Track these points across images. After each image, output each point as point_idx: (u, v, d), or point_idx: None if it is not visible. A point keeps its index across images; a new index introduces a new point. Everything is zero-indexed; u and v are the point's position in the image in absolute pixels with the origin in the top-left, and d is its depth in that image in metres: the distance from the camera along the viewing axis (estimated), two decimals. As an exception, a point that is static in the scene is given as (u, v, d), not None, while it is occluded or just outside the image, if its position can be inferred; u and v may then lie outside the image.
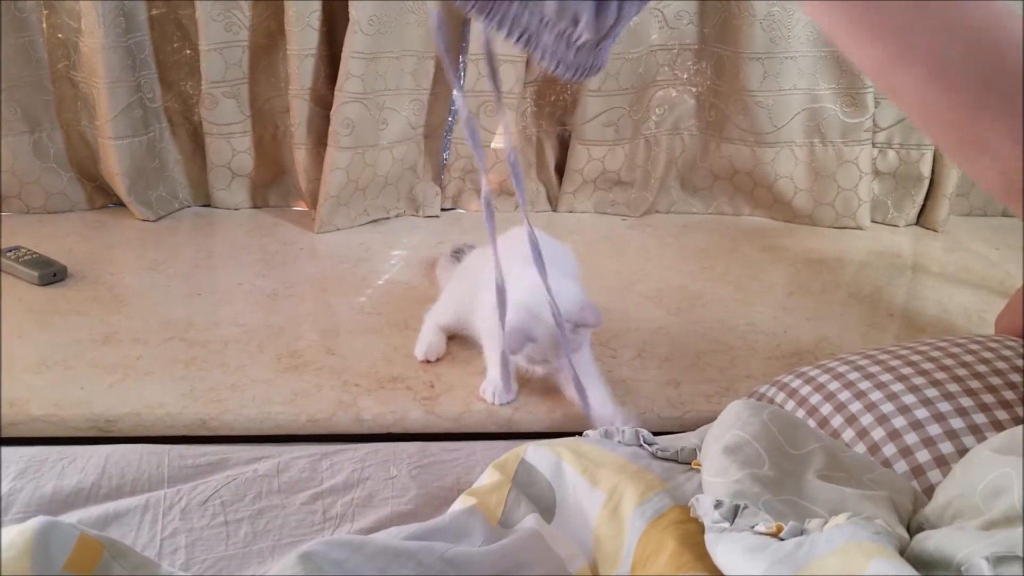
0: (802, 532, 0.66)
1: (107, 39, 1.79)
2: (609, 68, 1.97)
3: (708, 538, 0.70)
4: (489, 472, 0.95)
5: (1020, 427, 0.76)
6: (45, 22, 1.87)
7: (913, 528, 0.74)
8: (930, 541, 0.64)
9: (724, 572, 0.67)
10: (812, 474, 0.79)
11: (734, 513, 0.71)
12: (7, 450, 1.05)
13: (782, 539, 0.66)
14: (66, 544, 0.73)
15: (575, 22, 0.77)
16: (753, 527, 0.68)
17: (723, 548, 0.68)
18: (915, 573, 0.58)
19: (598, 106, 2.02)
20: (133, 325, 1.49)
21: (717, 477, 0.78)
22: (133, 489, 1.01)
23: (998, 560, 0.58)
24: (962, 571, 0.59)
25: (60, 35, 1.88)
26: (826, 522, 0.66)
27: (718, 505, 0.72)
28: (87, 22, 1.79)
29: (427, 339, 1.44)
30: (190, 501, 0.98)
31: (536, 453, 0.93)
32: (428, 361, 1.43)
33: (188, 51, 1.96)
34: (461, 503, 0.91)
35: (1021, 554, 0.58)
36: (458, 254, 1.71)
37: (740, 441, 0.81)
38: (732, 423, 0.84)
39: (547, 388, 1.36)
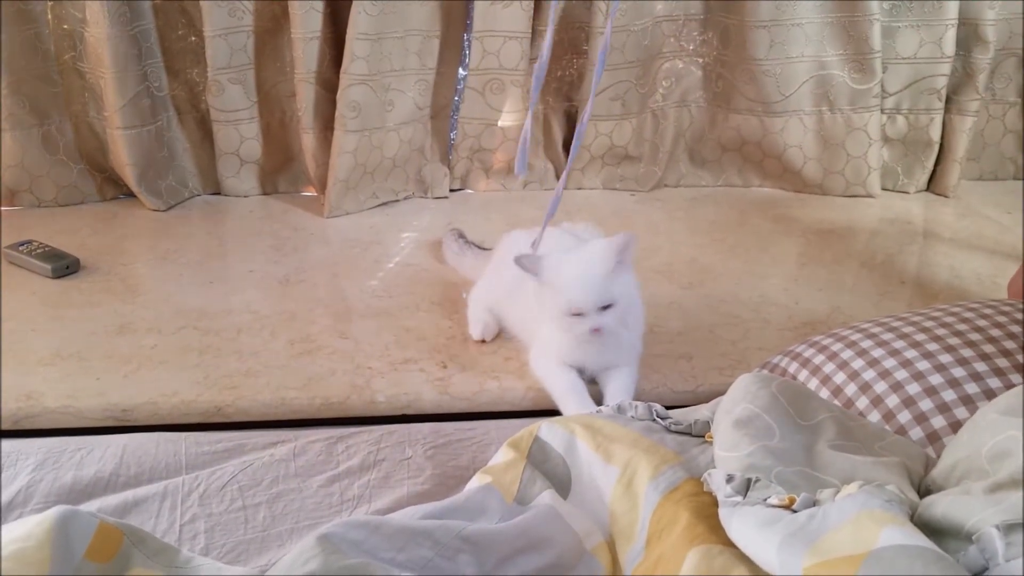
0: (814, 503, 0.66)
1: (112, 28, 1.79)
2: (614, 41, 1.96)
3: (722, 512, 0.71)
4: (504, 450, 0.95)
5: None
6: (51, 13, 1.86)
7: (922, 491, 0.74)
8: (938, 507, 0.64)
9: (739, 546, 0.68)
10: (823, 444, 0.79)
11: (746, 487, 0.71)
12: (25, 442, 1.06)
13: (795, 511, 0.66)
14: (86, 532, 0.74)
15: None
16: (766, 500, 0.68)
17: (737, 522, 0.68)
18: (926, 541, 0.58)
19: (604, 80, 2.01)
20: (147, 315, 1.50)
21: (729, 451, 0.78)
22: (151, 477, 1.02)
23: (1008, 528, 0.58)
24: (973, 540, 0.59)
25: (66, 26, 1.88)
26: (838, 491, 0.66)
27: (730, 479, 0.72)
28: (92, 12, 1.79)
29: (480, 318, 1.44)
30: (208, 487, 0.99)
31: (550, 430, 0.94)
32: (484, 341, 1.43)
33: (193, 38, 1.95)
34: (477, 481, 0.92)
35: None
36: (461, 234, 1.71)
37: (750, 414, 0.81)
38: (742, 396, 0.84)
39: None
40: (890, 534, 0.58)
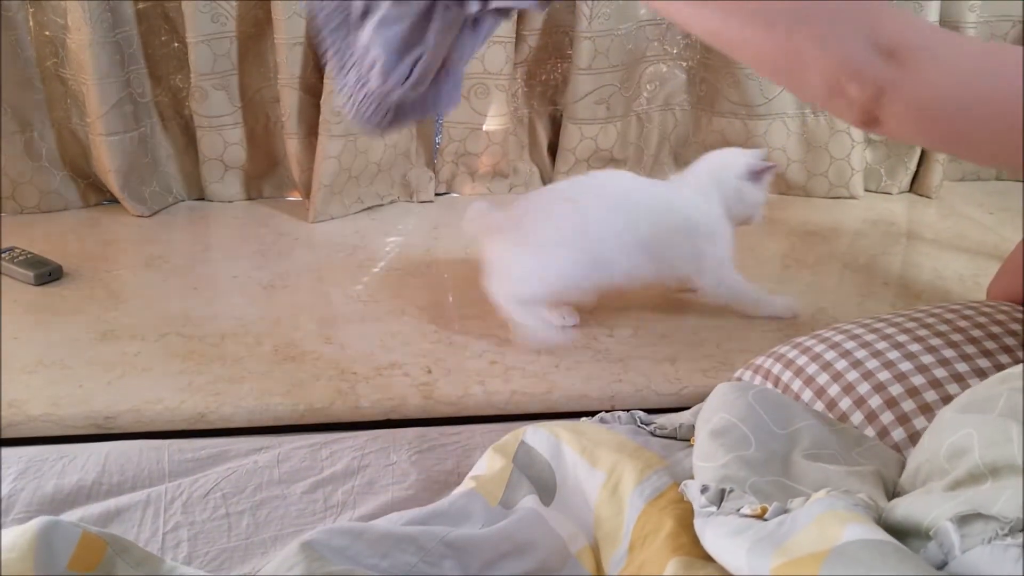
0: (785, 512, 0.66)
1: (94, 35, 1.78)
2: (599, 45, 1.97)
3: (696, 523, 0.71)
4: (489, 455, 0.95)
5: (980, 385, 0.77)
6: (32, 20, 1.86)
7: (893, 497, 0.74)
8: (898, 509, 0.65)
9: (712, 555, 0.68)
10: (799, 453, 0.80)
11: (720, 497, 0.71)
12: (6, 451, 1.05)
13: (766, 520, 0.66)
14: (69, 543, 0.74)
15: (370, 67, 0.81)
16: (739, 510, 0.69)
17: (710, 532, 0.68)
18: (890, 538, 0.58)
19: (589, 84, 2.02)
20: (130, 322, 1.49)
21: (705, 462, 0.78)
22: (134, 485, 1.01)
23: (961, 520, 0.58)
24: (931, 536, 0.60)
25: (47, 32, 1.87)
26: (808, 499, 0.66)
27: (705, 490, 0.72)
28: (73, 18, 1.78)
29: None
30: (191, 495, 0.99)
31: (535, 435, 0.94)
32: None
33: (176, 44, 1.95)
34: (463, 487, 0.92)
35: (983, 512, 0.58)
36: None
37: (726, 424, 0.81)
38: (719, 406, 0.85)
39: (544, 370, 1.37)
40: (853, 530, 0.59)
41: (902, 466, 0.82)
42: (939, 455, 0.69)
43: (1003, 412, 0.66)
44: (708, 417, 0.84)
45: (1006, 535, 0.56)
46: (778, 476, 0.75)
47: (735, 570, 0.65)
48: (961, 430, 0.68)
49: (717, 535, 0.67)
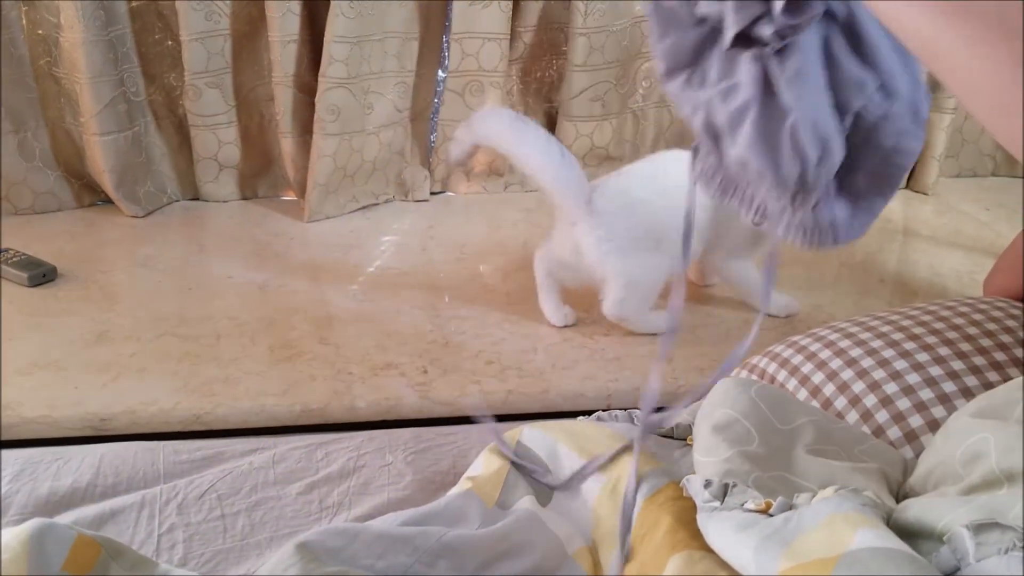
0: (791, 507, 0.66)
1: (88, 33, 1.77)
2: (594, 41, 1.96)
3: (700, 518, 0.70)
4: (485, 455, 0.95)
5: (997, 390, 0.76)
6: (24, 18, 1.85)
7: (900, 498, 0.74)
8: (911, 510, 0.65)
9: (716, 551, 0.68)
10: (802, 449, 0.79)
11: (724, 492, 0.71)
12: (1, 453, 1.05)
13: (771, 515, 0.66)
14: (63, 545, 0.73)
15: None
16: (743, 505, 0.68)
17: (714, 527, 0.68)
18: (899, 543, 0.58)
19: (584, 81, 2.01)
20: (125, 323, 1.49)
21: (707, 456, 0.78)
22: (129, 487, 1.01)
23: (977, 528, 0.58)
24: (944, 540, 0.59)
25: (40, 31, 1.86)
26: (814, 496, 0.66)
27: (708, 485, 0.72)
28: (67, 17, 1.77)
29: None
30: (186, 496, 0.98)
31: (532, 435, 0.94)
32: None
33: (170, 42, 1.94)
34: (459, 488, 0.92)
35: (999, 519, 0.58)
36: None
37: (729, 419, 0.81)
38: (721, 401, 0.84)
39: (540, 370, 1.37)
40: (863, 536, 0.58)
41: (904, 465, 0.82)
42: (954, 459, 0.69)
43: (1020, 419, 0.66)
44: (709, 412, 0.84)
45: (1023, 546, 0.56)
46: (781, 471, 0.75)
47: (741, 567, 0.64)
48: (977, 434, 0.68)
49: (721, 530, 0.67)
